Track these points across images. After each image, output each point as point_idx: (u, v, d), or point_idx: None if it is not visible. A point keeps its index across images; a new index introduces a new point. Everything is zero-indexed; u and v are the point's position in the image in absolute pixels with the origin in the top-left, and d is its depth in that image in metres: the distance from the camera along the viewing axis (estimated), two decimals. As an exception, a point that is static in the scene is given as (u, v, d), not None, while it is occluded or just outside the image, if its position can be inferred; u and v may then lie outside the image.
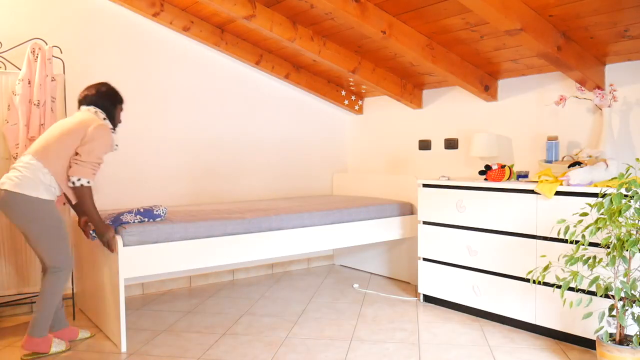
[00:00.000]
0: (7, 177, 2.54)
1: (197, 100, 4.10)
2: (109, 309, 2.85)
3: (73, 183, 2.56)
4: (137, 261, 2.72)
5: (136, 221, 2.80)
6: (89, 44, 3.56)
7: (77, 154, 2.58)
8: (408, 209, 3.95)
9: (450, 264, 3.30)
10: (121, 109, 2.86)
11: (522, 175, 3.21)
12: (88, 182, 2.58)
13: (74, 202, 2.71)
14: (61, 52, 3.28)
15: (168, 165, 3.94)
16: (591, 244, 2.45)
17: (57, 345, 2.64)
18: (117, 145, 2.81)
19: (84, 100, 2.75)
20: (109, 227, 2.70)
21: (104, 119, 2.72)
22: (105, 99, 2.76)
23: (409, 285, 3.92)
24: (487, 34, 3.09)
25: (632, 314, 2.26)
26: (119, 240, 2.64)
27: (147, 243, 2.75)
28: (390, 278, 4.18)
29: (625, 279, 2.27)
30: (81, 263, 3.30)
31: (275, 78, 4.49)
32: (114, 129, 2.78)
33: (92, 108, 2.71)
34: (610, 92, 3.09)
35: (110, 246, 2.70)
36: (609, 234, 2.27)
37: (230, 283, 4.14)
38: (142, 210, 2.86)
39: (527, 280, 2.81)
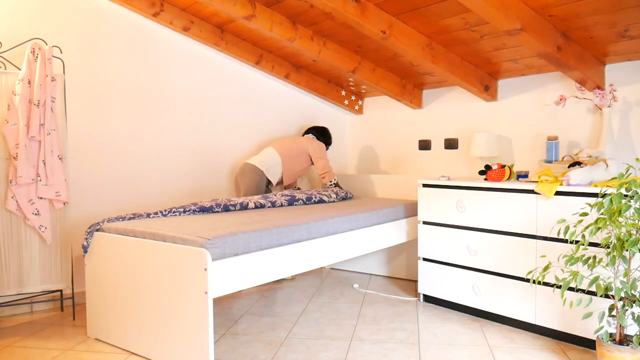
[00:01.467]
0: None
1: (196, 100, 4.10)
2: (180, 333, 2.40)
3: (331, 182, 4.12)
4: (224, 277, 2.36)
5: None
6: (89, 44, 3.56)
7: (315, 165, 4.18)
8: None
9: (450, 264, 3.30)
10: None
11: (522, 175, 3.21)
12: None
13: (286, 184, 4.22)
14: (61, 52, 3.28)
15: (168, 165, 3.94)
16: (591, 244, 2.45)
17: None
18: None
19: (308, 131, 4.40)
20: None
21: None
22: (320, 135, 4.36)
23: (409, 285, 3.92)
24: (487, 34, 3.09)
25: (632, 314, 2.26)
26: (206, 254, 2.26)
27: (228, 256, 2.40)
28: (390, 277, 4.18)
29: (625, 279, 2.27)
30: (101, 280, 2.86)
31: (275, 78, 4.49)
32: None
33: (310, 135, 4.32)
34: (610, 92, 3.09)
35: None
36: (609, 234, 2.27)
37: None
38: None
39: (527, 280, 2.82)
